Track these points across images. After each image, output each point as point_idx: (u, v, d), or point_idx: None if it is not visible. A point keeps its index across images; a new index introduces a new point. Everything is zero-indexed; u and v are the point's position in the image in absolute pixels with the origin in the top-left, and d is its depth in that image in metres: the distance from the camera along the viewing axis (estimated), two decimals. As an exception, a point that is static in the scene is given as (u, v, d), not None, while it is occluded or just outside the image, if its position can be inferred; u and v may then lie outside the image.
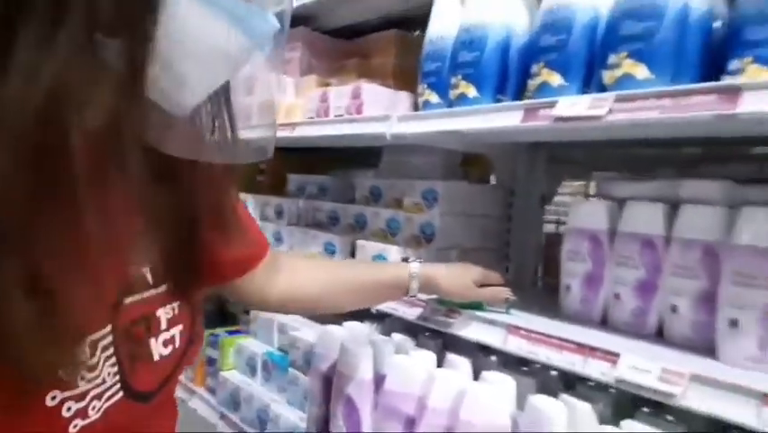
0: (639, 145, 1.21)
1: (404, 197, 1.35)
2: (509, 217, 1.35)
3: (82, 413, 0.45)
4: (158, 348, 0.54)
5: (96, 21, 0.38)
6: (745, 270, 0.74)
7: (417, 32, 1.56)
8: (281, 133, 1.43)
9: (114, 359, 0.48)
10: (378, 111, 1.27)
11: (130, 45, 0.40)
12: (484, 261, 1.31)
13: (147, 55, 0.40)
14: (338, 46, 1.68)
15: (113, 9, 0.38)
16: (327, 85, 1.56)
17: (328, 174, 1.99)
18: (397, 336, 1.09)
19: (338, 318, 1.24)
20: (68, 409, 0.44)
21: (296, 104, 1.52)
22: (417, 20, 1.55)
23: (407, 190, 1.33)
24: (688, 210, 0.83)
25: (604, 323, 0.93)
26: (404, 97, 1.32)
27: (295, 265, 0.87)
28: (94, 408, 0.46)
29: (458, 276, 0.97)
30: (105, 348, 0.48)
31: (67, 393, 0.44)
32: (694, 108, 0.69)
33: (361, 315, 1.22)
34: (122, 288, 0.51)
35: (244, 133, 0.54)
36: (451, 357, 0.98)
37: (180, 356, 0.57)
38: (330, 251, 1.43)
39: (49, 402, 0.43)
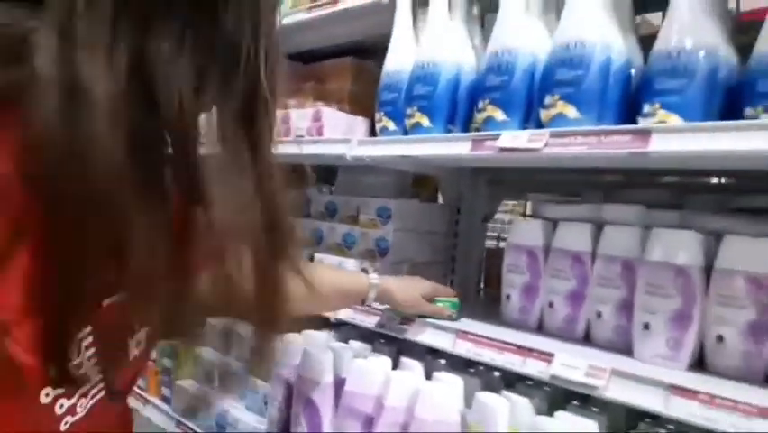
0: (569, 171, 1.36)
1: (359, 213, 1.44)
2: (455, 234, 1.47)
3: (72, 410, 0.46)
4: (132, 349, 0.55)
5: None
6: (656, 281, 0.88)
7: (371, 61, 1.67)
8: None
9: (95, 359, 0.48)
10: (337, 134, 1.36)
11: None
12: (432, 273, 1.43)
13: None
14: (296, 69, 1.76)
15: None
16: (286, 106, 1.64)
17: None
18: (354, 343, 1.18)
19: (296, 327, 1.31)
20: (61, 406, 0.45)
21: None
22: (371, 49, 1.66)
23: (363, 207, 1.43)
24: (610, 230, 0.97)
25: (540, 329, 1.06)
26: (360, 122, 1.42)
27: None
28: (81, 405, 0.47)
29: (410, 289, 1.08)
30: (87, 348, 0.48)
31: (58, 390, 0.44)
32: (613, 146, 0.83)
33: (319, 323, 1.30)
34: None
35: None
36: (405, 361, 1.08)
37: (146, 357, 0.58)
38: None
39: (43, 399, 0.43)
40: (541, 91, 0.97)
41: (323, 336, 1.22)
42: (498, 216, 1.70)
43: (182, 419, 1.47)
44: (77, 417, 0.47)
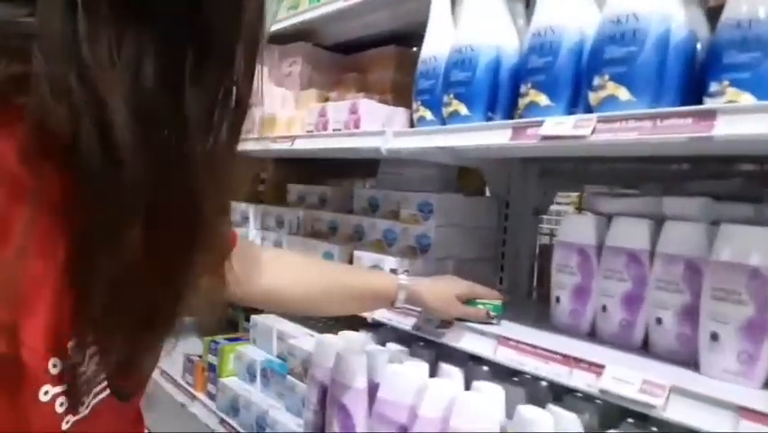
0: (627, 161, 1.24)
1: (400, 208, 1.38)
2: (504, 229, 1.38)
3: (73, 409, 0.45)
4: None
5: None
6: (725, 285, 0.77)
7: (415, 48, 1.59)
8: (281, 146, 1.47)
9: (97, 357, 0.47)
10: (374, 126, 1.30)
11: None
12: (480, 271, 1.35)
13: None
14: (337, 61, 1.72)
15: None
16: (327, 98, 1.60)
17: (327, 183, 2.02)
18: (391, 346, 1.12)
19: (334, 327, 1.27)
20: (61, 404, 0.44)
21: (296, 116, 1.56)
22: (416, 36, 1.59)
23: (403, 202, 1.37)
24: (671, 226, 0.86)
25: (592, 335, 0.96)
26: (400, 113, 1.35)
27: (285, 264, 0.90)
28: (83, 403, 0.46)
29: (442, 291, 1.00)
30: (89, 345, 0.46)
31: (58, 388, 0.43)
32: (670, 130, 0.72)
33: (356, 324, 1.26)
34: None
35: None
36: (444, 367, 1.01)
37: (153, 357, 0.56)
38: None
39: (42, 398, 0.42)
40: (589, 72, 0.87)
41: (360, 338, 1.17)
42: (554, 208, 1.58)
43: (225, 417, 1.46)
44: (78, 416, 0.45)
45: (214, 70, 0.44)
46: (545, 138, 0.86)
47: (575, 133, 0.81)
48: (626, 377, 0.77)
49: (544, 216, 1.56)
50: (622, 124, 0.78)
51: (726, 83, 0.75)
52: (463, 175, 1.47)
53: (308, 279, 0.93)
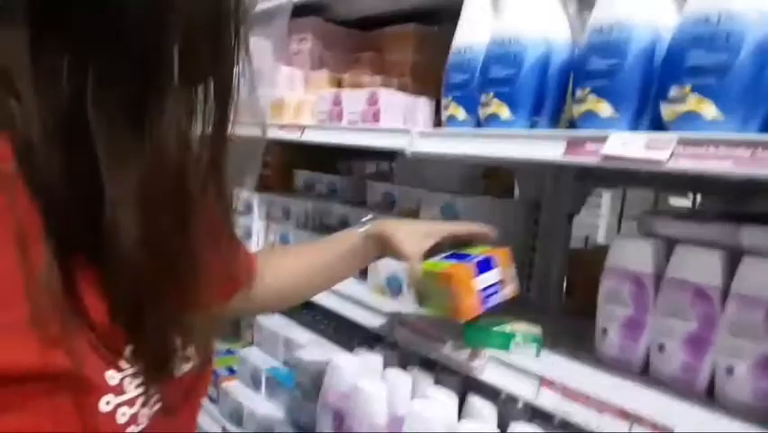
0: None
1: (420, 208, 1.26)
2: (534, 235, 1.26)
3: (134, 419, 0.46)
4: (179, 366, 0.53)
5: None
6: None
7: (437, 27, 1.44)
8: (289, 135, 1.33)
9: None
10: (395, 119, 1.17)
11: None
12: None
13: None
14: (352, 38, 1.56)
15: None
16: (339, 82, 1.45)
17: (337, 168, 1.89)
18: (413, 372, 1.02)
19: (345, 335, 1.17)
20: (123, 414, 0.45)
21: (305, 101, 1.42)
22: (440, 13, 1.43)
23: (425, 203, 1.24)
24: (752, 262, 0.74)
25: (644, 373, 0.85)
26: (422, 104, 1.21)
27: (277, 267, 0.86)
28: (142, 415, 0.47)
29: (413, 226, 0.91)
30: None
31: (119, 398, 0.44)
32: (776, 163, 0.60)
33: (372, 339, 1.15)
34: None
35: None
36: (474, 402, 0.91)
37: (198, 372, 0.56)
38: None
39: (103, 408, 0.43)
40: (664, 80, 0.73)
41: (377, 360, 1.07)
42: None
43: (227, 424, 1.38)
44: (140, 427, 0.47)
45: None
46: (609, 158, 0.73)
47: (649, 157, 0.69)
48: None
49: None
50: (710, 150, 0.65)
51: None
52: (490, 173, 1.35)
53: (297, 271, 0.89)
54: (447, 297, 0.85)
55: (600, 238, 2.27)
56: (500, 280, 0.89)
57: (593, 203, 1.93)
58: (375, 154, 1.75)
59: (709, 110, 0.68)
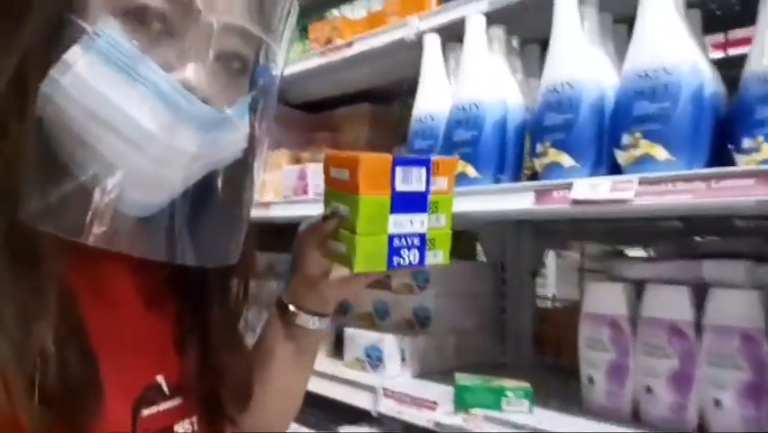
0: (626, 219, 1.18)
1: (391, 276, 1.26)
2: (503, 294, 1.28)
3: None
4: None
5: None
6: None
7: (390, 105, 1.52)
8: (254, 213, 1.33)
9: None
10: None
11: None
12: (482, 344, 1.24)
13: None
14: (308, 119, 1.62)
15: None
16: (299, 159, 1.48)
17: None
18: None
19: (330, 421, 1.12)
20: None
21: (267, 180, 1.43)
22: (387, 94, 1.51)
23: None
24: (719, 294, 0.78)
25: (636, 419, 0.86)
26: (386, 174, 1.25)
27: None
28: None
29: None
30: None
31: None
32: (731, 193, 0.65)
33: (354, 416, 1.10)
34: (137, 397, 0.48)
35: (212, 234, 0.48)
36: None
37: None
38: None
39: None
40: (615, 129, 0.80)
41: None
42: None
43: None
44: None
45: None
46: (577, 202, 0.77)
47: (615, 197, 0.73)
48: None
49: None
50: (669, 186, 0.70)
51: (760, 138, 0.70)
52: (454, 237, 1.37)
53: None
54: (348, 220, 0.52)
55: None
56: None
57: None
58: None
59: (660, 153, 0.74)
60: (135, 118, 0.39)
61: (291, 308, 0.58)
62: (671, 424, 0.81)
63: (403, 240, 0.51)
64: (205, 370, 0.53)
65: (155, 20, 0.41)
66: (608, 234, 1.30)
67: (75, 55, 0.38)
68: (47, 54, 0.39)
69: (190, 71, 0.41)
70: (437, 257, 0.52)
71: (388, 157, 0.50)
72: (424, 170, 0.51)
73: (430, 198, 0.51)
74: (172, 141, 0.40)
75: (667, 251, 1.02)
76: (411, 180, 0.51)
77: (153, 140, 0.40)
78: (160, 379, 0.50)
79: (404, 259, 0.51)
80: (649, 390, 0.83)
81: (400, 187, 0.50)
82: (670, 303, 0.82)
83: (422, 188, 0.51)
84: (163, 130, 0.40)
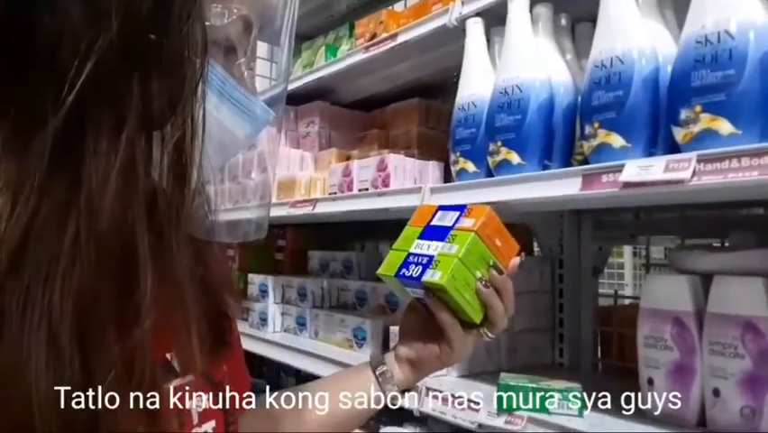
0: (697, 207, 1.08)
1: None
2: (560, 292, 1.20)
3: None
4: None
5: (150, 118, 0.38)
6: None
7: (439, 100, 1.48)
8: (301, 210, 1.33)
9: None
10: (406, 183, 1.16)
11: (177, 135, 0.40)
12: (537, 344, 1.17)
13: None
14: (358, 118, 1.61)
15: (165, 104, 0.38)
16: (348, 157, 1.47)
17: (351, 248, 1.87)
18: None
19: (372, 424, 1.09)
20: None
21: (316, 178, 1.43)
22: (437, 88, 1.47)
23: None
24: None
25: (701, 424, 0.77)
26: (432, 167, 1.21)
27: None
28: None
29: (412, 331, 0.65)
30: None
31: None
32: (808, 167, 0.57)
33: (397, 417, 1.07)
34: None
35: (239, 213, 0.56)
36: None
37: None
38: (360, 337, 1.29)
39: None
40: (672, 104, 0.72)
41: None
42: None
43: None
44: None
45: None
46: (628, 185, 0.70)
47: (670, 178, 0.66)
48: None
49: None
50: (732, 163, 0.62)
51: None
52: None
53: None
54: None
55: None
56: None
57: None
58: (387, 232, 1.73)
59: (724, 126, 0.66)
60: (231, 130, 0.48)
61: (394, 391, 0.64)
62: (741, 431, 0.72)
63: (416, 258, 0.63)
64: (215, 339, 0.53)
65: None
66: (680, 225, 1.20)
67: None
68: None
69: (254, 82, 0.50)
70: (434, 276, 0.60)
71: (436, 205, 0.68)
72: (457, 214, 0.64)
73: (452, 232, 0.62)
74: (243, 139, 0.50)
75: (744, 240, 0.92)
76: (444, 219, 0.65)
77: (237, 143, 0.50)
78: (169, 357, 0.50)
79: (408, 271, 0.62)
80: (716, 393, 0.74)
81: (434, 222, 0.65)
82: (742, 297, 0.73)
83: (449, 224, 0.64)
84: (246, 136, 0.49)
